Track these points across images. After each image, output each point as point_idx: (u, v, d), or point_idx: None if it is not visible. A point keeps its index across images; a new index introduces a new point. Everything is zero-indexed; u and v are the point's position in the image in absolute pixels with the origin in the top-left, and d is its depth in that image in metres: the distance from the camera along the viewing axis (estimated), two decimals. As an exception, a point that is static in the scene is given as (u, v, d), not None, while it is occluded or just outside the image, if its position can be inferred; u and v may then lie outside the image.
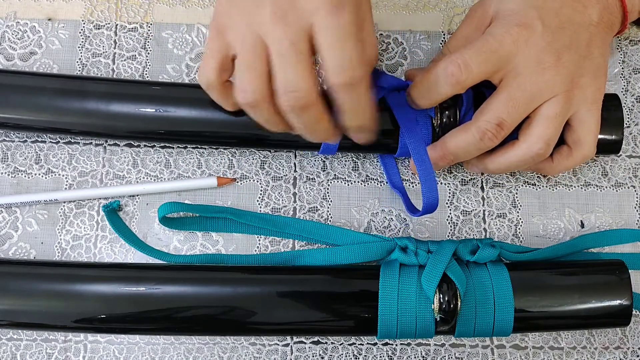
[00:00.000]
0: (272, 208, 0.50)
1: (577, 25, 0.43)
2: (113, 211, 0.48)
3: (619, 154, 0.51)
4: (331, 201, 0.50)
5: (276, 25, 0.36)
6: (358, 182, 0.50)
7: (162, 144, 0.50)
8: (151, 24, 0.53)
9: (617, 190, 0.51)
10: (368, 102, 0.39)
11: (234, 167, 0.50)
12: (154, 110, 0.46)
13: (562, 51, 0.42)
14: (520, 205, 0.50)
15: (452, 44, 0.47)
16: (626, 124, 0.52)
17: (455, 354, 0.48)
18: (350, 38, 0.36)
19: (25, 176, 0.50)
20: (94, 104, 0.46)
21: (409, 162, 0.50)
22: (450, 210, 0.50)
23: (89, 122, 0.46)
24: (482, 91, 0.45)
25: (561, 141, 0.45)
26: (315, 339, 0.48)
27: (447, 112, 0.45)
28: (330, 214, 0.50)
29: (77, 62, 0.52)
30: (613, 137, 0.47)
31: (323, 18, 0.36)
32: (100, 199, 0.49)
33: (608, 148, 0.48)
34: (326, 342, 0.48)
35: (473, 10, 0.47)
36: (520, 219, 0.50)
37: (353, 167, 0.51)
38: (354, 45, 0.36)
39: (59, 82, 0.47)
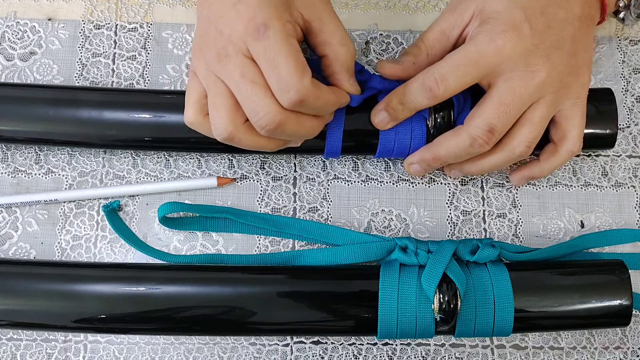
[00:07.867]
0: (272, 208, 0.50)
1: (561, 21, 0.42)
2: (113, 211, 0.48)
3: (619, 154, 0.51)
4: (331, 201, 0.50)
5: (222, 63, 0.38)
6: (358, 182, 0.50)
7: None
8: (151, 24, 0.53)
9: (617, 190, 0.51)
10: (325, 105, 0.40)
11: (234, 167, 0.50)
12: (150, 115, 0.46)
13: (550, 52, 0.42)
14: (520, 205, 0.50)
15: (427, 36, 0.45)
16: (626, 123, 0.52)
17: (455, 354, 0.48)
18: (282, 60, 0.37)
19: (25, 176, 0.50)
20: (87, 113, 0.46)
21: (403, 162, 0.50)
22: (450, 210, 0.50)
23: (83, 132, 0.46)
24: (479, 89, 0.45)
25: (546, 140, 0.45)
26: (315, 339, 0.48)
27: (441, 113, 0.45)
28: (330, 214, 0.50)
29: (77, 62, 0.52)
30: (607, 131, 0.47)
31: (251, 44, 0.37)
32: (100, 199, 0.49)
33: (603, 142, 0.48)
34: (326, 342, 0.48)
35: (452, 5, 0.45)
36: (520, 219, 0.50)
37: (353, 167, 0.51)
38: (288, 65, 0.37)
39: (51, 93, 0.46)
